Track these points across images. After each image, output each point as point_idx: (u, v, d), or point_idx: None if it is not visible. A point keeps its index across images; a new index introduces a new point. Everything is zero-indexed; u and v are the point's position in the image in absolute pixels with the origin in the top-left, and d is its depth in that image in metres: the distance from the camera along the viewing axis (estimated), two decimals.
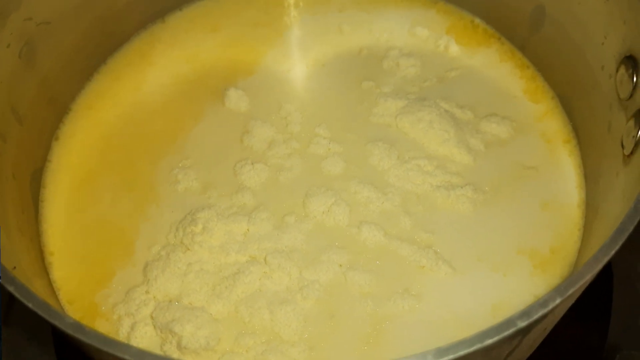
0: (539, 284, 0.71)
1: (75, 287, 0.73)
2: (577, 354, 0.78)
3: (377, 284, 0.70)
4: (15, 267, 0.56)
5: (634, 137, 0.65)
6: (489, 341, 0.46)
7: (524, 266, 0.72)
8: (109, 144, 0.83)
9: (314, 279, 0.70)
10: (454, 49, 0.88)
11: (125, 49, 0.90)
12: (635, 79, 0.66)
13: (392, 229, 0.73)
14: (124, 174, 0.80)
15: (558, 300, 0.47)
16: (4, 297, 0.77)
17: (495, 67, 0.87)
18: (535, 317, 0.47)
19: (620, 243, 0.51)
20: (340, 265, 0.71)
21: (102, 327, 0.70)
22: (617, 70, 0.69)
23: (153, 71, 0.88)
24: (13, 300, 0.79)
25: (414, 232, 0.73)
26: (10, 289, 0.49)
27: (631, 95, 0.67)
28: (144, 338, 0.68)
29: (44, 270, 0.74)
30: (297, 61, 0.88)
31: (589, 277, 0.49)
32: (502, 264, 0.72)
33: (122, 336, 0.68)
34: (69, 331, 0.47)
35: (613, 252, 0.50)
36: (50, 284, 0.73)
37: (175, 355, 0.66)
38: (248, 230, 0.73)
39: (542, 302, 0.47)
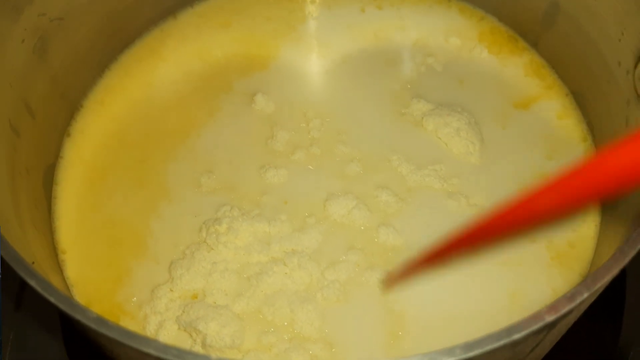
0: (557, 277, 0.71)
1: (90, 286, 0.72)
2: (591, 351, 0.78)
3: None
4: (34, 262, 0.56)
5: None
6: (517, 335, 0.46)
7: (541, 258, 0.72)
8: (120, 141, 0.82)
9: (333, 278, 0.70)
10: (485, 56, 0.87)
11: (137, 45, 0.89)
12: None
13: (409, 231, 0.74)
14: (136, 171, 0.80)
15: (585, 295, 0.47)
16: (13, 286, 0.78)
17: (521, 78, 0.86)
18: (563, 311, 0.46)
19: None
20: (359, 266, 0.71)
21: (128, 325, 0.69)
22: (635, 66, 0.69)
23: (164, 67, 0.87)
24: (24, 289, 0.79)
25: (430, 233, 0.73)
26: (32, 282, 0.48)
27: None
28: (171, 336, 0.68)
29: (58, 267, 0.73)
30: (312, 57, 0.88)
31: (616, 271, 0.48)
32: (517, 256, 0.72)
33: (149, 334, 0.68)
34: (92, 325, 0.47)
35: None
36: (64, 280, 0.73)
37: None
38: (270, 231, 0.73)
39: (569, 296, 0.47)
